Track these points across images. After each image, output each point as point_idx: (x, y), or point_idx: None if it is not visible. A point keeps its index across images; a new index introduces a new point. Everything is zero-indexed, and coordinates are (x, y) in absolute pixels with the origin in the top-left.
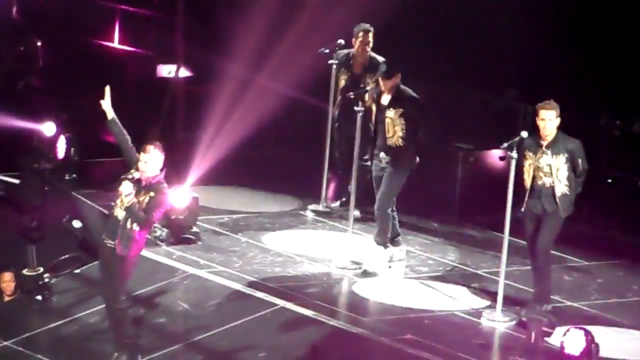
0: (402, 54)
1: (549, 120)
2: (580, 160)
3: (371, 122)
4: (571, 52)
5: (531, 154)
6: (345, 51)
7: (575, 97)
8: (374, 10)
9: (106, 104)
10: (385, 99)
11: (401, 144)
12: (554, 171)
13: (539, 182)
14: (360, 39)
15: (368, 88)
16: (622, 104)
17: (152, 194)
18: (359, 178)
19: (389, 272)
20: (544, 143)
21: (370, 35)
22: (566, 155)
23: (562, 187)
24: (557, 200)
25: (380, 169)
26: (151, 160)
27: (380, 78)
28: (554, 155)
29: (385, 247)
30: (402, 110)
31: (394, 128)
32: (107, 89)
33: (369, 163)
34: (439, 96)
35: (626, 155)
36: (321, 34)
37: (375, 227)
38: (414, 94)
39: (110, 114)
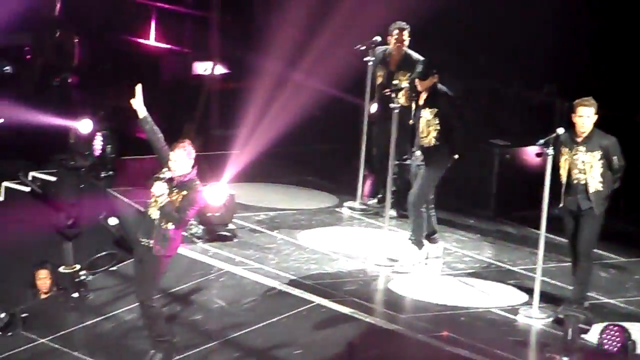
0: (439, 50)
1: (587, 117)
2: (615, 158)
3: (411, 121)
4: (609, 47)
5: (567, 149)
6: (382, 48)
7: (612, 92)
8: (411, 7)
9: (137, 102)
10: (422, 99)
11: (434, 144)
12: (587, 168)
13: (574, 179)
14: (395, 36)
15: (403, 85)
16: None
17: (184, 192)
18: (399, 176)
19: (425, 268)
20: (579, 139)
21: (405, 33)
22: (600, 152)
23: (595, 184)
24: (590, 197)
25: (417, 167)
26: (180, 159)
27: (416, 79)
28: (588, 152)
29: (420, 246)
30: (436, 110)
31: (428, 128)
32: (139, 87)
33: (408, 161)
34: (476, 93)
35: None
36: (358, 31)
37: (410, 224)
38: (449, 93)
39: (142, 112)
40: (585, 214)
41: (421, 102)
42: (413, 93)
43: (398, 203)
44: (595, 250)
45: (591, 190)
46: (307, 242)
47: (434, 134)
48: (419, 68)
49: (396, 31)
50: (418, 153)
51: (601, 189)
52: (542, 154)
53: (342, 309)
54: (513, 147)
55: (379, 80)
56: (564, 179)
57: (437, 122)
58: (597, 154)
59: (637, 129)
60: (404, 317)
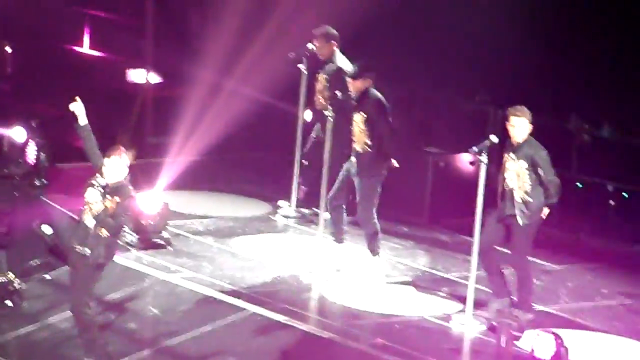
0: (373, 57)
1: (517, 126)
2: (541, 170)
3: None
4: (541, 55)
5: (505, 155)
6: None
7: (545, 100)
8: (344, 13)
9: (79, 108)
10: (355, 103)
11: (368, 150)
12: (514, 176)
13: (506, 185)
14: (318, 43)
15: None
16: (591, 108)
17: (117, 198)
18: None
19: (359, 276)
20: (512, 147)
21: (319, 40)
22: (527, 162)
23: (520, 194)
24: (515, 205)
25: (353, 174)
26: (115, 166)
27: (348, 78)
28: (517, 161)
29: (377, 254)
30: (365, 116)
31: (360, 134)
32: (78, 99)
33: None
34: (410, 100)
35: (595, 160)
36: (291, 38)
37: (349, 233)
38: (379, 97)
39: (84, 119)
40: (511, 223)
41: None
42: (331, 97)
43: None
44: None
45: (517, 199)
46: (241, 249)
47: (365, 139)
48: (353, 69)
49: (321, 36)
50: (353, 159)
51: (528, 199)
52: (475, 162)
53: (276, 317)
54: (447, 154)
55: (318, 86)
56: (500, 185)
57: (368, 128)
58: (524, 163)
59: (570, 136)
60: (338, 325)
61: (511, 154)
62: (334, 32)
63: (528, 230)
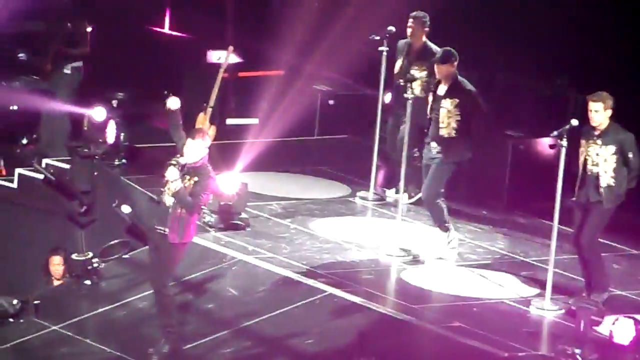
0: (454, 42)
1: (595, 111)
2: (630, 154)
3: (427, 113)
4: (624, 38)
5: (584, 142)
6: (406, 40)
7: (629, 85)
8: None
9: (175, 102)
10: (442, 89)
11: (454, 135)
12: (600, 161)
13: (588, 171)
14: (409, 26)
15: (417, 75)
16: None
17: (196, 178)
18: (413, 167)
19: (438, 259)
20: (596, 133)
21: (417, 22)
22: (615, 146)
23: (607, 179)
24: (602, 190)
25: (430, 158)
26: (196, 147)
27: (435, 63)
28: (603, 146)
29: (446, 230)
30: (457, 101)
31: (449, 119)
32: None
33: (418, 153)
34: (490, 84)
35: None
36: (373, 21)
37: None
38: (471, 86)
39: (177, 104)
40: (593, 207)
41: (441, 92)
42: (431, 85)
43: (410, 193)
44: (607, 242)
45: (602, 184)
46: (320, 231)
47: (454, 124)
48: (439, 54)
49: (410, 21)
50: (434, 144)
51: (613, 184)
52: (555, 146)
53: (354, 299)
54: (527, 138)
55: (396, 70)
56: (580, 171)
57: (458, 113)
58: (612, 148)
59: None
60: (416, 308)
61: (596, 139)
62: (428, 18)
63: (606, 214)
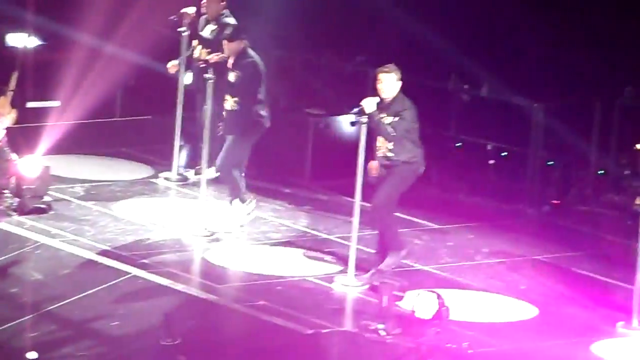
0: (253, 19)
1: (384, 82)
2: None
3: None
4: (419, 15)
5: (379, 114)
6: (205, 16)
7: (424, 60)
8: None
9: None
10: (230, 63)
11: (235, 109)
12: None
13: (380, 144)
14: (203, 4)
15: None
16: (470, 68)
17: None
18: (216, 145)
19: (242, 238)
20: (383, 106)
21: (212, 1)
22: (394, 117)
23: (384, 150)
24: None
25: (223, 134)
26: None
27: (224, 41)
28: (390, 118)
29: (244, 200)
30: (240, 73)
31: (231, 92)
32: None
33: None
34: (290, 63)
35: (474, 119)
36: (171, 1)
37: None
38: (254, 58)
39: None
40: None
41: (229, 66)
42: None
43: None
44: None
45: (379, 154)
46: (123, 213)
47: (235, 98)
48: (228, 31)
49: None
50: (221, 124)
51: (391, 155)
52: (356, 123)
53: (158, 280)
54: (327, 116)
55: (197, 50)
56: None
57: (239, 86)
58: (389, 119)
59: (449, 96)
60: (221, 287)
61: (383, 113)
62: None
63: (398, 181)
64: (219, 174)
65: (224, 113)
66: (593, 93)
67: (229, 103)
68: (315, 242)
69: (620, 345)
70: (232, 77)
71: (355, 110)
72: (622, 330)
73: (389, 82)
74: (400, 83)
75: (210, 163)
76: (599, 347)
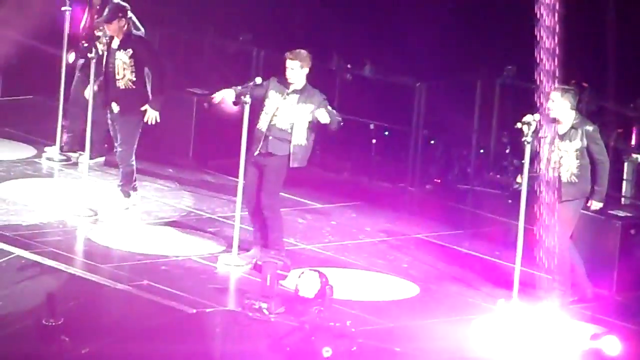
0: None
1: (291, 69)
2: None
3: (102, 67)
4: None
5: (278, 95)
6: None
7: (307, 40)
8: None
9: None
10: (115, 43)
11: (132, 87)
12: (295, 120)
13: (273, 123)
14: None
15: (100, 33)
16: (353, 48)
17: None
18: (98, 125)
19: (126, 218)
20: (289, 90)
21: None
22: (312, 106)
23: (298, 139)
24: (291, 149)
25: (115, 115)
26: None
27: (104, 22)
28: (299, 104)
29: (127, 195)
30: (132, 51)
31: (124, 71)
32: None
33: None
34: (172, 42)
35: (357, 99)
36: None
37: (117, 175)
38: (143, 36)
39: None
40: (269, 163)
41: (115, 45)
42: (106, 38)
43: (95, 150)
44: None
45: (294, 142)
46: (5, 193)
47: (130, 76)
48: (105, 14)
49: None
50: (114, 105)
51: (304, 143)
52: (239, 103)
53: (42, 260)
54: (211, 95)
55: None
56: (265, 123)
57: (133, 64)
58: (309, 107)
59: (332, 76)
60: (104, 267)
61: (290, 96)
62: None
63: (280, 170)
64: (120, 159)
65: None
66: (474, 72)
67: (123, 82)
68: (199, 221)
69: (500, 321)
70: (122, 55)
71: (239, 89)
72: (502, 307)
73: (294, 68)
74: (307, 70)
75: (93, 145)
76: (479, 324)
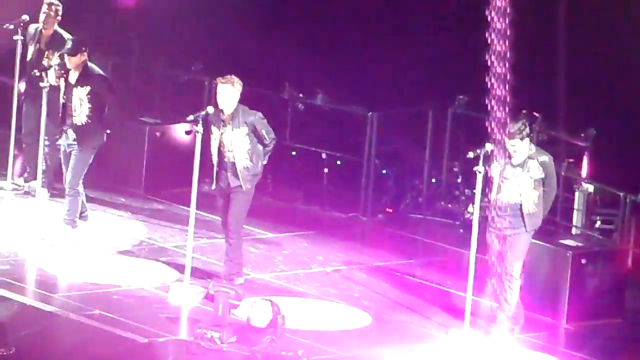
0: (89, 29)
1: (223, 94)
2: (263, 131)
3: (59, 100)
4: (256, 26)
5: (216, 128)
6: (35, 25)
7: (260, 70)
8: None
9: None
10: (73, 77)
11: (88, 122)
12: (235, 146)
13: (225, 157)
14: (44, 12)
15: (52, 63)
16: (305, 77)
17: None
18: (50, 155)
19: (78, 248)
20: (224, 118)
21: (54, 9)
22: (246, 128)
23: (243, 162)
24: (239, 174)
25: (69, 145)
26: None
27: (65, 55)
28: (234, 129)
29: (74, 225)
30: (89, 87)
31: (81, 107)
32: None
33: (59, 141)
34: (124, 70)
35: (309, 128)
36: (7, 9)
37: (64, 204)
38: (101, 72)
39: None
40: (234, 191)
41: (72, 80)
42: (62, 71)
43: (49, 182)
44: (244, 226)
45: (239, 167)
46: None
47: (86, 112)
48: (69, 45)
49: (45, 6)
50: (70, 132)
51: (249, 166)
52: (191, 132)
53: None
54: (163, 124)
55: (29, 58)
56: (214, 158)
57: (90, 99)
58: (243, 130)
59: (284, 105)
60: (56, 297)
61: (226, 124)
62: (61, 7)
63: (247, 197)
64: (68, 184)
65: (65, 127)
66: (426, 102)
67: (79, 119)
68: (151, 251)
69: (452, 351)
70: (79, 91)
71: (191, 117)
72: (454, 337)
73: (227, 93)
74: (239, 95)
75: (44, 173)
76: (431, 353)
